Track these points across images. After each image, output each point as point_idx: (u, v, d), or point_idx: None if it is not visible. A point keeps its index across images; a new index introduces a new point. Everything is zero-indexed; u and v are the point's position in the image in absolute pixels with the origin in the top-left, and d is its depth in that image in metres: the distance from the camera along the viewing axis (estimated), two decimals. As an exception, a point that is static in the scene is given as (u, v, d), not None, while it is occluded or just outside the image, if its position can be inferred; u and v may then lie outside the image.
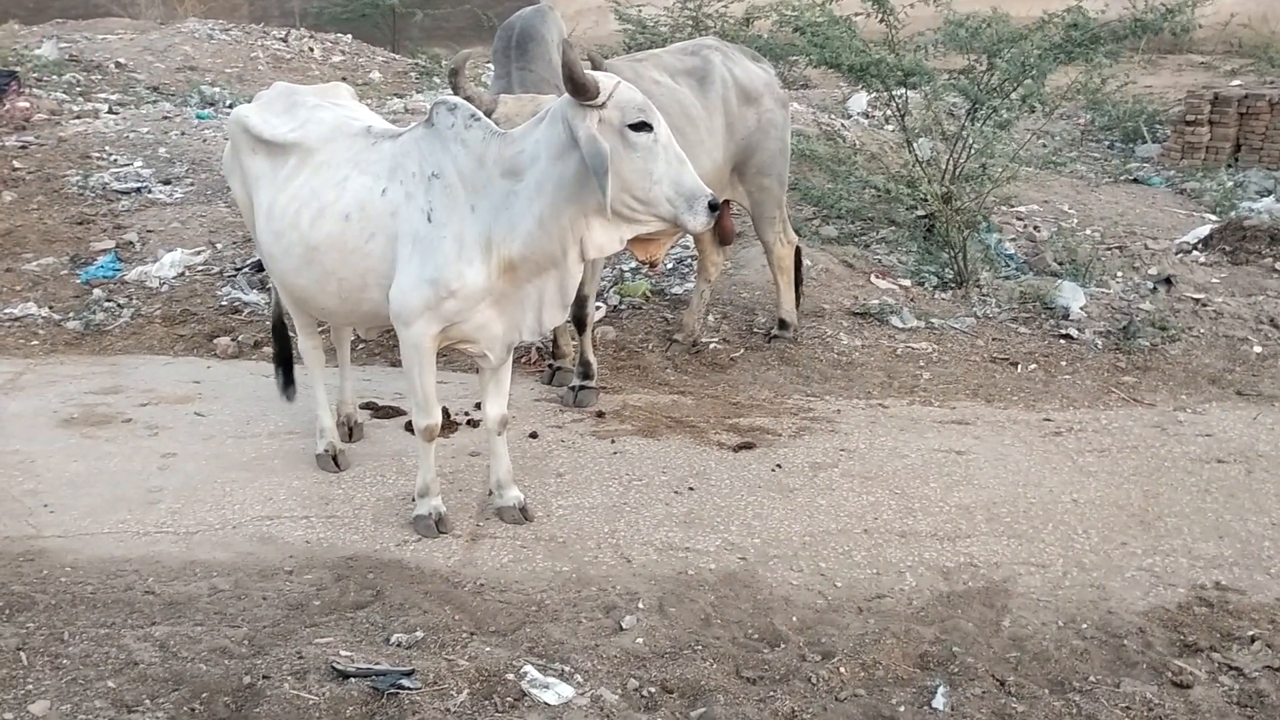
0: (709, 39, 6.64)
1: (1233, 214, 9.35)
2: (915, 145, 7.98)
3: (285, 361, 5.19)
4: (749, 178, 6.14)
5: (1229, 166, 11.81)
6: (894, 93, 7.66)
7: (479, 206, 3.96)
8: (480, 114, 4.03)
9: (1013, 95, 7.80)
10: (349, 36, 18.90)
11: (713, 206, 3.82)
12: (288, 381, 5.20)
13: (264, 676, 3.25)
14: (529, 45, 5.23)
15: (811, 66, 8.99)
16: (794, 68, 14.54)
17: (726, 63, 5.98)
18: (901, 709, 3.30)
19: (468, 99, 4.04)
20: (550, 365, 6.15)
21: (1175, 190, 11.26)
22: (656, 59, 5.96)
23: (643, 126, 3.74)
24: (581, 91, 3.68)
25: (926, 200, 7.30)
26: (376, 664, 3.34)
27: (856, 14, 7.69)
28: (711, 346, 6.51)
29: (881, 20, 7.53)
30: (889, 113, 8.09)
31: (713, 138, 5.80)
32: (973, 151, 7.73)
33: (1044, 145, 12.97)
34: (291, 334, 5.14)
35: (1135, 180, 11.77)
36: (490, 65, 5.84)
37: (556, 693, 3.28)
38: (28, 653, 3.36)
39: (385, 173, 4.12)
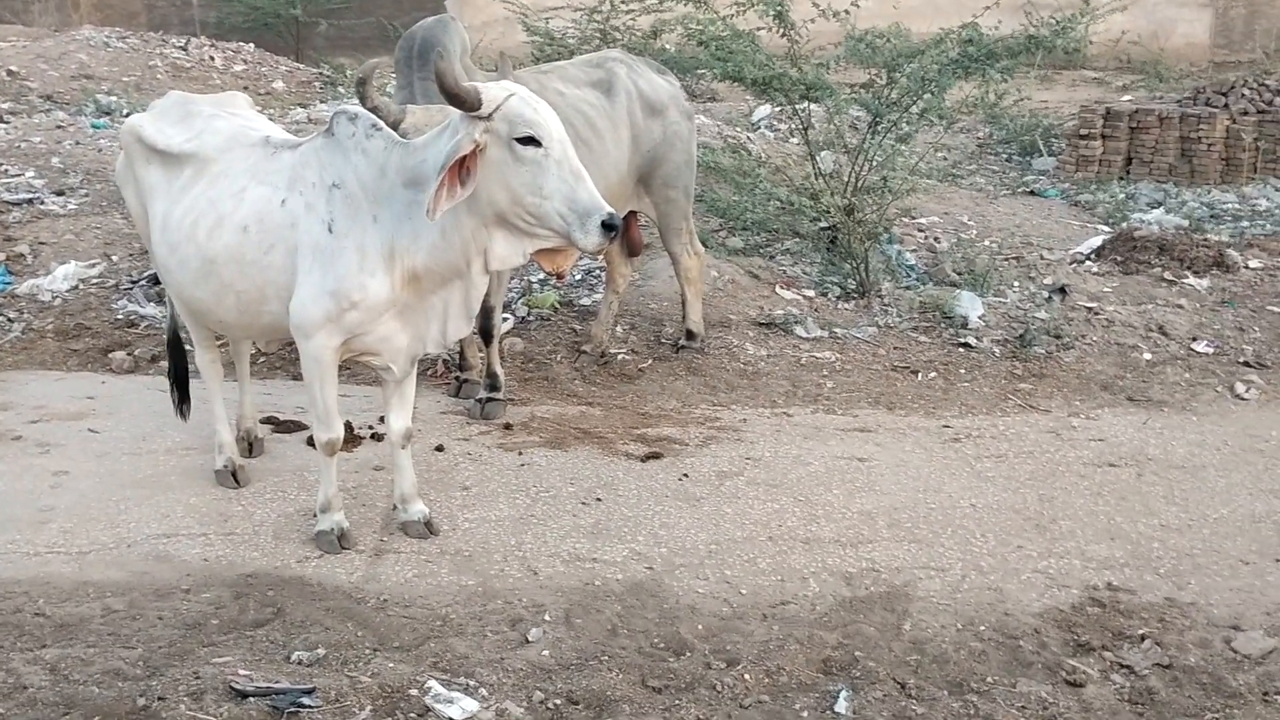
0: (615, 51, 6.67)
1: (1124, 225, 9.62)
2: (818, 158, 8.09)
3: (181, 379, 5.04)
4: (655, 189, 6.17)
5: (1121, 179, 12.15)
6: (797, 106, 7.76)
7: (381, 216, 3.93)
8: (381, 123, 4.00)
9: (912, 109, 7.94)
10: (251, 46, 18.55)
11: (608, 226, 3.74)
12: (183, 399, 5.05)
13: (159, 698, 3.19)
14: (430, 55, 5.19)
15: (716, 80, 9.06)
16: (701, 81, 14.63)
17: (631, 75, 6.01)
18: (805, 714, 3.35)
19: (375, 109, 4.00)
20: (457, 378, 6.11)
21: (1070, 202, 11.53)
22: (562, 71, 5.97)
23: (531, 141, 3.72)
24: (459, 103, 3.67)
25: (828, 212, 7.40)
26: (276, 682, 3.29)
27: (759, 28, 7.78)
28: (620, 357, 6.53)
29: (783, 35, 7.63)
30: (793, 126, 8.19)
31: (618, 149, 5.82)
32: (873, 164, 7.86)
33: (944, 158, 13.23)
34: (188, 349, 5.04)
35: (1032, 192, 12.04)
36: (394, 75, 5.80)
37: (461, 707, 3.27)
38: (-93, 679, 3.25)
39: (284, 183, 4.06)
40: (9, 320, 6.64)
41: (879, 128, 7.94)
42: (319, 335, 4.01)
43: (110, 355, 6.31)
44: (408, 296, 3.99)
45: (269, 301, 4.12)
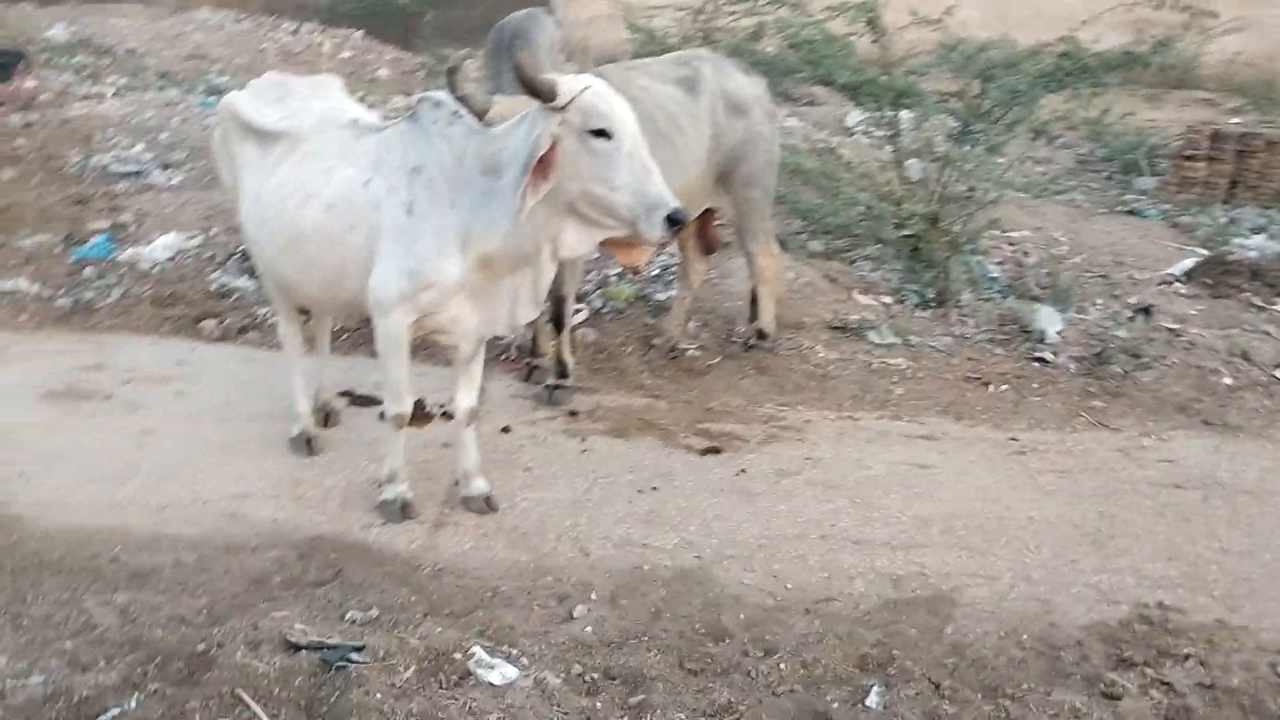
0: (702, 50, 6.76)
1: (1221, 249, 9.44)
2: (906, 165, 8.09)
3: None
4: (735, 189, 6.24)
5: (1224, 203, 11.89)
6: (886, 113, 7.77)
7: (459, 201, 4.08)
8: (463, 111, 4.14)
9: (1002, 121, 7.89)
10: (360, 32, 19.01)
11: (674, 220, 3.84)
12: None
13: (218, 645, 3.35)
14: (519, 48, 5.32)
15: (809, 84, 9.09)
16: (799, 84, 14.63)
17: (717, 74, 6.09)
18: (835, 706, 3.40)
19: (464, 99, 4.13)
20: (529, 363, 6.26)
21: (1169, 224, 11.32)
22: (647, 67, 6.08)
23: (603, 133, 3.83)
24: (537, 94, 3.80)
25: (910, 220, 7.40)
26: (329, 638, 3.44)
27: (851, 34, 7.80)
28: (689, 353, 6.61)
29: (874, 41, 7.65)
30: (883, 132, 8.19)
31: (698, 146, 5.90)
32: (960, 174, 7.83)
33: (1042, 172, 13.08)
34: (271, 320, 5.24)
35: (1131, 212, 11.84)
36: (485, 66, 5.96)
37: (501, 674, 3.38)
38: (-9, 612, 3.47)
39: (369, 165, 4.23)
40: (109, 285, 6.95)
41: (968, 138, 7.92)
42: (395, 312, 4.17)
43: (201, 324, 6.58)
44: (479, 280, 4.13)
45: (349, 278, 4.29)
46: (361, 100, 11.99)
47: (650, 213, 3.84)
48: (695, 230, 6.48)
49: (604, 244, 4.24)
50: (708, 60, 6.19)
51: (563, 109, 3.85)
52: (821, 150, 8.85)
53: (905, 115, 8.09)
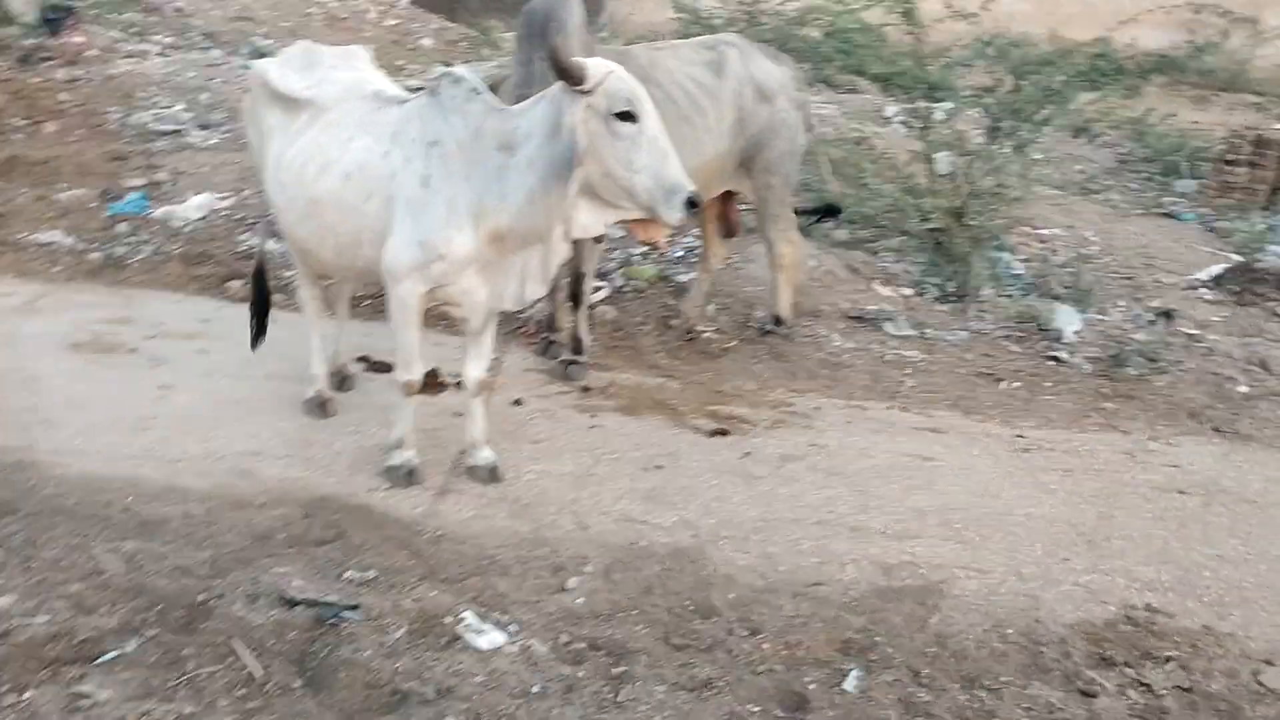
0: (730, 35, 6.79)
1: (1262, 257, 9.36)
2: (936, 158, 8.09)
3: (261, 311, 5.28)
4: (756, 174, 6.28)
5: (1265, 209, 11.77)
6: (918, 105, 7.78)
7: (473, 176, 4.16)
8: (483, 88, 4.23)
9: (1035, 118, 7.88)
10: (406, 1, 19.09)
11: (692, 203, 3.96)
12: (259, 331, 5.28)
13: (218, 596, 3.48)
14: (549, 33, 5.37)
15: (841, 72, 9.10)
16: (839, 72, 14.59)
17: (744, 59, 6.12)
18: (813, 687, 3.48)
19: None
20: (546, 338, 6.33)
21: (1206, 228, 11.23)
22: (674, 50, 6.13)
23: (628, 116, 3.93)
24: (568, 77, 3.88)
25: (933, 214, 7.41)
26: (326, 595, 3.55)
27: (887, 25, 7.81)
28: (706, 335, 6.68)
29: (910, 33, 7.65)
30: (916, 124, 8.18)
31: (720, 128, 5.95)
32: (989, 170, 7.83)
33: (1080, 171, 13.01)
34: (273, 283, 5.29)
35: (1168, 214, 11.74)
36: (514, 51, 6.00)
37: (489, 639, 3.49)
38: (3, 552, 3.60)
39: (388, 136, 4.32)
40: (141, 242, 7.09)
41: (998, 134, 7.91)
42: (406, 281, 4.27)
43: (228, 284, 6.70)
44: (490, 254, 4.22)
45: (364, 246, 4.38)
46: (403, 70, 12.08)
47: (669, 196, 3.96)
48: (716, 213, 6.54)
49: (623, 222, 4.34)
50: (735, 45, 6.22)
51: (589, 92, 3.93)
52: (847, 141, 8.86)
53: (938, 108, 8.09)
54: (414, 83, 8.44)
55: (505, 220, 4.12)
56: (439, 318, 5.05)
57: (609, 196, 4.07)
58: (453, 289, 4.30)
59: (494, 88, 4.50)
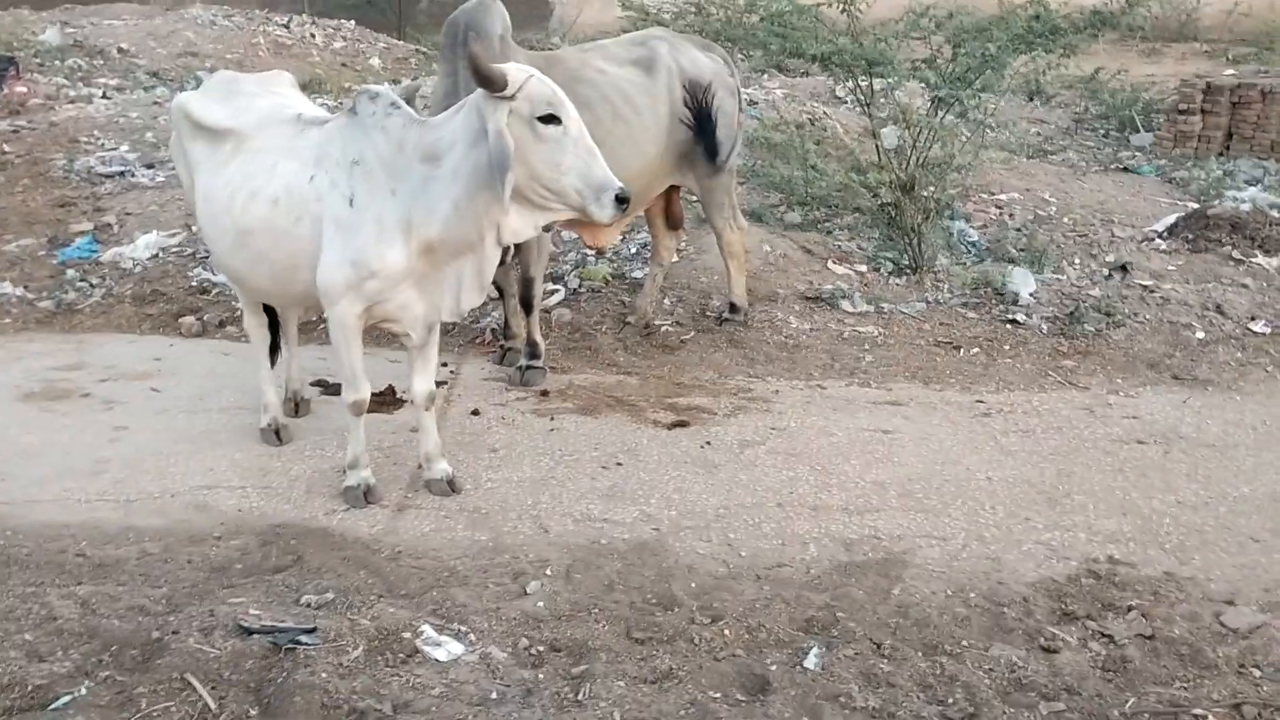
0: (658, 30, 6.80)
1: (1216, 202, 9.40)
2: (883, 134, 8.11)
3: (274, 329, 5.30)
4: (698, 165, 6.28)
5: (1220, 155, 11.84)
6: (859, 81, 7.79)
7: (399, 191, 4.16)
8: (401, 103, 4.23)
9: (974, 85, 7.90)
10: (352, 23, 19.10)
11: (621, 199, 4.00)
12: (274, 347, 5.31)
13: (173, 632, 3.45)
14: (473, 41, 5.37)
15: (780, 56, 9.11)
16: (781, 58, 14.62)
17: (673, 52, 6.12)
18: (774, 668, 3.48)
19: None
20: (503, 346, 6.33)
21: (1165, 179, 11.30)
22: (603, 49, 6.13)
23: (551, 119, 3.95)
24: (488, 84, 3.88)
25: (879, 188, 7.42)
26: (282, 622, 3.54)
27: (819, 3, 7.82)
28: (663, 329, 6.68)
29: (843, 10, 7.68)
30: (859, 101, 8.18)
31: (657, 125, 5.95)
32: (934, 141, 7.85)
33: (1038, 134, 13.06)
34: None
35: (1125, 169, 11.81)
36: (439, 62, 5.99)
37: (447, 650, 3.48)
38: (-46, 607, 3.58)
39: (312, 159, 4.31)
40: (91, 286, 7.06)
41: (940, 104, 7.93)
42: (342, 302, 4.26)
43: (181, 320, 6.67)
44: (423, 267, 4.22)
45: (299, 270, 4.37)
46: (351, 91, 12.05)
47: (598, 194, 4.00)
48: (661, 207, 6.55)
49: (571, 226, 4.34)
50: (664, 39, 6.23)
51: (511, 98, 3.93)
52: (776, 124, 8.89)
53: (879, 84, 8.11)
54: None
55: (435, 232, 4.12)
56: (391, 335, 5.03)
57: (537, 200, 4.09)
58: (389, 305, 4.30)
59: (409, 99, 4.48)
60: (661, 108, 5.98)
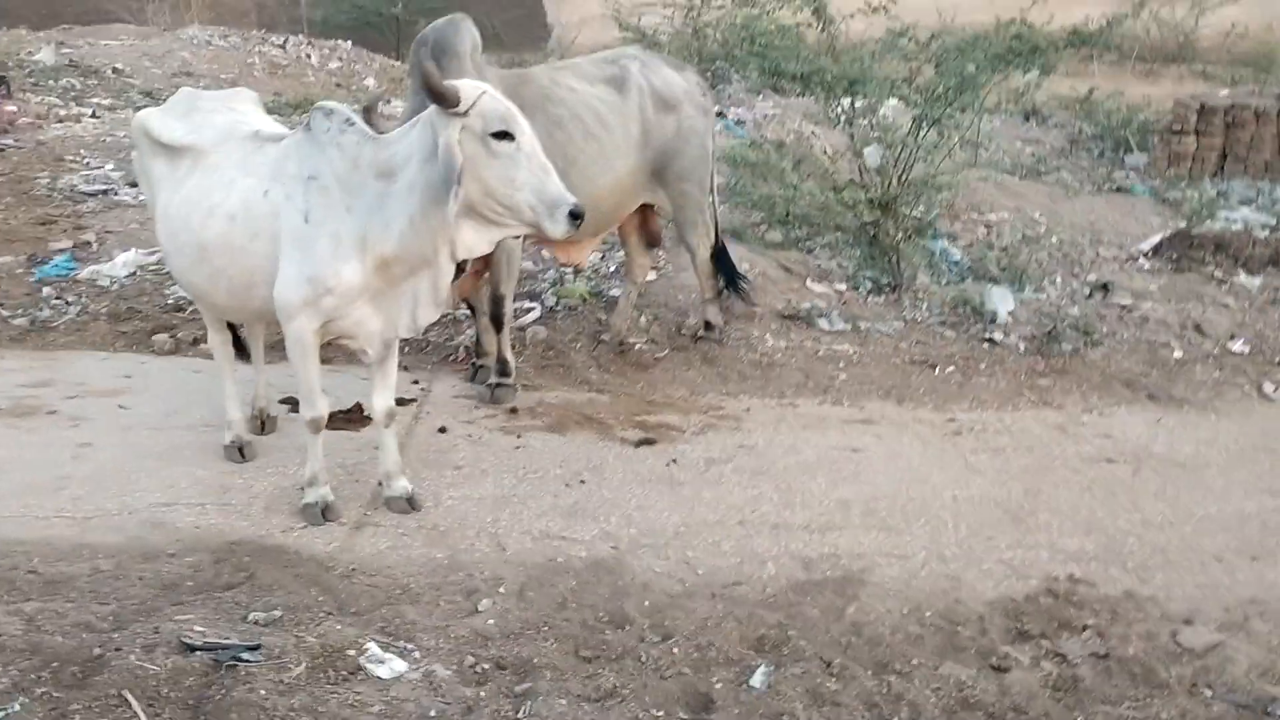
0: (631, 49, 6.81)
1: (1208, 222, 9.39)
2: (866, 153, 8.11)
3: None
4: (670, 183, 6.27)
5: (1214, 176, 11.82)
6: (840, 101, 7.79)
7: (354, 207, 4.15)
8: (356, 119, 4.22)
9: (954, 104, 7.90)
10: (348, 43, 19.18)
11: (575, 215, 3.97)
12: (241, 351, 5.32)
13: (115, 649, 3.42)
14: (443, 60, 5.35)
15: (760, 76, 9.14)
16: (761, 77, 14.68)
17: (645, 71, 6.12)
18: (719, 686, 3.46)
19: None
20: (474, 363, 6.31)
21: (1158, 199, 11.28)
22: (576, 67, 6.13)
23: (504, 135, 3.94)
24: (441, 100, 3.88)
25: (856, 207, 7.41)
26: (226, 639, 3.52)
27: (800, 23, 7.84)
28: (638, 347, 6.65)
29: (823, 30, 7.70)
30: (841, 119, 8.19)
31: (627, 144, 5.94)
32: (916, 160, 7.84)
33: (1032, 154, 13.05)
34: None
35: (1119, 189, 11.80)
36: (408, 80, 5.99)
37: (390, 668, 3.45)
38: (-105, 625, 3.56)
39: (268, 175, 4.31)
40: (66, 303, 7.05)
41: (922, 123, 7.93)
42: (299, 318, 4.25)
43: (154, 337, 6.65)
44: (379, 283, 4.20)
45: (257, 286, 4.36)
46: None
47: (552, 210, 3.98)
48: (637, 225, 6.55)
49: (543, 243, 4.30)
50: (636, 58, 6.23)
51: (464, 114, 3.93)
52: (756, 142, 8.90)
53: (859, 103, 8.11)
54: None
55: (390, 248, 4.11)
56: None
57: (492, 215, 4.07)
58: (346, 321, 4.29)
59: (371, 109, 4.47)
60: (632, 126, 5.98)
